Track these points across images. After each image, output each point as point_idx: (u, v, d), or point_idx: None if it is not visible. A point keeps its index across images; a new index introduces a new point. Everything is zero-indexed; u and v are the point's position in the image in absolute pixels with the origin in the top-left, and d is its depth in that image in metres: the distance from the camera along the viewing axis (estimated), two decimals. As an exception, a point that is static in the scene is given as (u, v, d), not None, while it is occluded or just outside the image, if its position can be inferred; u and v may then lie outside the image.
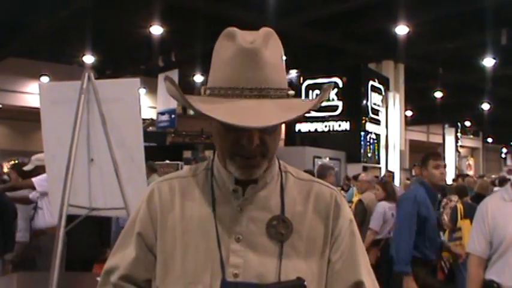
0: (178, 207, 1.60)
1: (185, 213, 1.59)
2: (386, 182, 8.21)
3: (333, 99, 18.78)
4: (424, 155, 5.26)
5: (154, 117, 21.90)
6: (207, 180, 1.63)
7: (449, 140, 36.34)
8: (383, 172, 18.72)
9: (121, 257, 1.64)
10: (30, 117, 18.87)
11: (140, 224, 1.63)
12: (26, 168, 7.17)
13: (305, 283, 1.42)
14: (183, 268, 1.53)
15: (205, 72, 19.41)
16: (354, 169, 15.09)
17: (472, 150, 44.80)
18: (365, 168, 14.17)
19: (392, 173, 17.06)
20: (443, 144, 36.12)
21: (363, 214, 7.79)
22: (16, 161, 9.87)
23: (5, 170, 14.56)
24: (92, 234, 7.04)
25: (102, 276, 1.68)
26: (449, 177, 24.97)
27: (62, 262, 6.67)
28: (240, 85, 1.43)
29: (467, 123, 38.41)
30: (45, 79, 20.67)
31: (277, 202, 1.59)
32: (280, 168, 1.66)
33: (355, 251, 1.61)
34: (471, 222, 3.84)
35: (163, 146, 20.18)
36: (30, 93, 21.90)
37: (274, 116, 1.38)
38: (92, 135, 4.33)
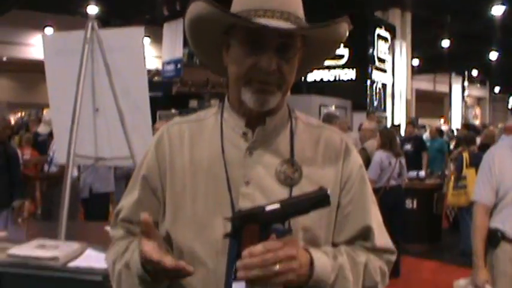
0: (188, 151, 1.60)
1: (194, 157, 1.59)
2: (381, 131, 8.11)
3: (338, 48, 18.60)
4: None
5: (159, 67, 21.78)
6: (217, 124, 1.62)
7: (456, 89, 36.13)
8: (389, 121, 18.70)
9: (127, 199, 1.67)
10: (35, 69, 18.74)
11: (146, 167, 1.64)
12: (40, 131, 7.22)
13: (328, 192, 1.38)
14: (193, 211, 1.53)
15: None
16: (359, 118, 15.01)
17: (479, 100, 44.59)
18: (368, 114, 14.01)
19: (399, 125, 17.04)
20: (449, 94, 35.95)
21: (366, 162, 7.77)
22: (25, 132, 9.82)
23: (12, 122, 14.56)
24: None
25: (113, 217, 1.72)
26: (455, 127, 24.88)
27: (75, 211, 6.79)
28: (263, 7, 1.47)
29: (475, 73, 38.11)
30: (49, 30, 20.48)
31: (287, 147, 1.58)
32: (290, 113, 1.65)
33: (365, 197, 1.61)
34: (476, 171, 3.83)
35: (168, 96, 20.13)
36: (34, 45, 21.71)
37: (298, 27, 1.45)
38: (96, 85, 4.32)
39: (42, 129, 8.93)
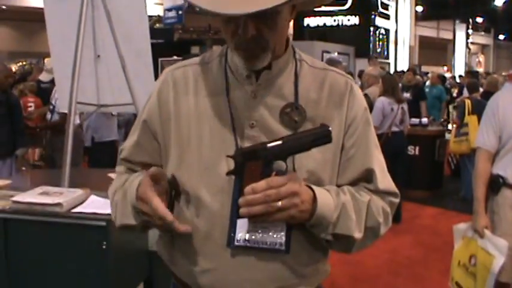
0: (192, 93, 1.60)
1: (199, 100, 1.58)
2: (383, 77, 8.04)
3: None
4: None
5: (161, 13, 21.57)
6: (221, 67, 1.61)
7: (460, 36, 35.84)
8: (392, 68, 18.60)
9: (129, 140, 1.70)
10: (34, 18, 18.56)
11: (148, 111, 1.64)
12: (42, 79, 7.13)
13: (330, 128, 1.40)
14: (199, 154, 1.53)
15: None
16: (362, 64, 14.97)
17: (483, 47, 44.24)
18: (369, 59, 13.92)
19: (402, 72, 16.98)
20: (453, 41, 35.67)
21: (369, 109, 7.72)
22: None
23: (14, 70, 14.43)
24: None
25: (118, 155, 1.75)
26: (458, 74, 24.73)
27: (78, 158, 6.83)
28: None
29: (479, 20, 37.72)
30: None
31: (291, 89, 1.57)
32: (295, 56, 1.63)
33: (368, 140, 1.61)
34: (479, 118, 3.81)
35: (170, 42, 19.97)
36: (33, -7, 21.49)
37: (262, 2, 1.32)
38: (97, 31, 4.29)
39: (44, 76, 8.89)
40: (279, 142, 1.40)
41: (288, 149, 1.41)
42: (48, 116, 7.42)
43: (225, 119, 1.54)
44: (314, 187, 1.45)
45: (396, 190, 1.63)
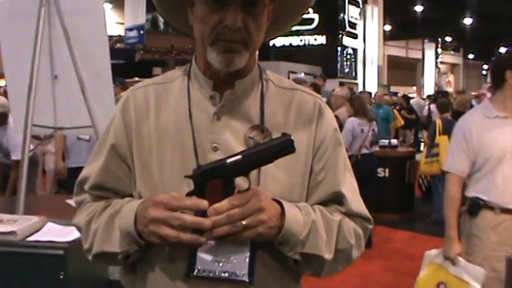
0: (154, 115, 1.58)
1: (160, 121, 1.57)
2: (354, 99, 8.15)
3: (308, 12, 18.59)
4: None
5: (122, 33, 21.54)
6: (184, 86, 1.61)
7: (429, 55, 36.46)
8: (360, 88, 18.78)
9: (93, 167, 1.63)
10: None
11: (114, 135, 1.61)
12: None
13: (292, 137, 1.38)
14: (160, 179, 1.52)
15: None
16: (330, 85, 15.11)
17: (452, 67, 45.02)
18: (341, 84, 14.15)
19: (370, 93, 17.22)
20: (422, 60, 36.27)
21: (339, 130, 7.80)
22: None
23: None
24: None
25: (76, 187, 1.69)
26: (427, 94, 25.09)
27: (33, 185, 6.74)
28: None
29: (448, 39, 38.43)
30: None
31: (257, 111, 1.57)
32: (261, 75, 1.63)
33: (338, 162, 1.60)
34: (449, 138, 3.83)
35: (131, 63, 19.97)
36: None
37: None
38: (54, 50, 4.24)
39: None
40: (239, 157, 1.38)
41: (249, 163, 1.39)
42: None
43: (187, 142, 1.53)
44: (283, 201, 1.44)
45: (369, 216, 1.62)
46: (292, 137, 1.39)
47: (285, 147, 1.39)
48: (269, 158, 1.39)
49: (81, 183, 1.67)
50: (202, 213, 1.36)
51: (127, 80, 11.64)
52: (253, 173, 1.45)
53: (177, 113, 1.57)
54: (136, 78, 13.77)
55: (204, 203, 1.35)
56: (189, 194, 1.40)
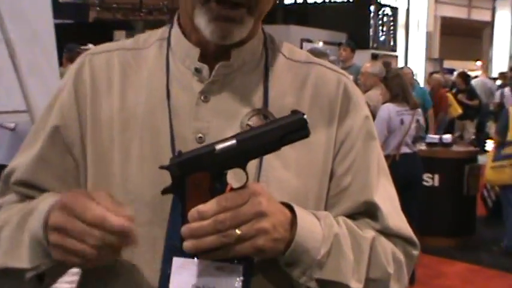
0: (118, 92, 1.58)
1: (127, 101, 1.57)
2: (390, 77, 8.04)
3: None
4: None
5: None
6: (161, 55, 1.61)
7: (502, 17, 36.30)
8: (401, 63, 18.77)
9: (23, 156, 1.61)
10: None
11: (59, 114, 1.59)
12: None
13: (304, 116, 1.34)
14: (124, 178, 1.51)
15: None
16: (359, 58, 15.09)
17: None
18: (374, 57, 14.07)
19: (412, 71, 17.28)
20: (492, 24, 36.13)
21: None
22: None
23: None
24: None
25: (4, 179, 1.64)
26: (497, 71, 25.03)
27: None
28: None
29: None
30: None
31: (259, 91, 1.57)
32: (265, 44, 1.64)
33: (370, 162, 1.59)
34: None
35: (84, 24, 19.99)
36: None
37: None
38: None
39: None
40: (232, 142, 1.34)
41: (246, 151, 1.35)
42: None
43: (162, 130, 1.52)
44: (294, 205, 1.41)
45: (413, 237, 1.60)
46: (305, 116, 1.35)
47: (295, 128, 1.35)
48: (274, 144, 1.35)
49: (6, 178, 1.63)
50: (183, 217, 1.33)
51: (81, 48, 11.65)
52: (251, 172, 1.43)
53: (150, 90, 1.57)
54: (90, 45, 13.78)
55: (115, 221, 1.28)
56: (165, 192, 1.37)
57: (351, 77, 1.89)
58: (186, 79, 1.56)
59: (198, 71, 1.55)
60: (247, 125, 1.51)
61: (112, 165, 1.53)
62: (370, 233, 1.50)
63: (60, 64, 5.80)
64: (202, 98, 1.54)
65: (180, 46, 1.58)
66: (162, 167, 1.37)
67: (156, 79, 1.58)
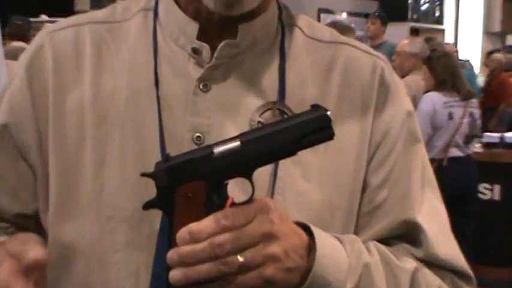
0: (90, 77, 1.58)
1: (103, 89, 1.57)
2: (436, 57, 7.93)
3: None
4: None
5: None
6: (146, 30, 1.62)
7: None
8: (449, 39, 18.85)
9: None
10: None
11: (9, 110, 1.60)
12: None
13: (328, 113, 1.32)
14: (97, 189, 1.52)
15: None
16: (394, 33, 15.13)
17: None
18: (414, 32, 14.14)
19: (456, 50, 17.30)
20: None
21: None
22: None
23: None
24: None
25: None
26: None
27: None
28: None
29: None
30: None
31: (273, 79, 1.57)
32: (281, 18, 1.65)
33: (411, 169, 1.61)
34: None
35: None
36: None
37: None
38: None
39: None
40: (235, 144, 1.33)
41: (252, 155, 1.35)
42: None
43: (149, 127, 1.54)
44: (311, 226, 1.41)
45: (467, 268, 1.60)
46: (329, 112, 1.34)
47: (316, 128, 1.35)
48: (288, 147, 1.35)
49: None
50: (170, 238, 1.33)
51: (31, 20, 11.73)
52: (264, 182, 1.47)
53: (132, 75, 1.58)
54: (44, 17, 13.80)
55: None
56: (147, 206, 1.37)
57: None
58: (180, 62, 1.58)
59: (196, 51, 1.56)
60: (259, 122, 1.52)
61: (82, 171, 1.54)
62: (410, 263, 1.52)
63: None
64: (201, 86, 1.55)
65: (172, 19, 1.59)
66: (144, 174, 1.37)
67: (141, 61, 1.60)
